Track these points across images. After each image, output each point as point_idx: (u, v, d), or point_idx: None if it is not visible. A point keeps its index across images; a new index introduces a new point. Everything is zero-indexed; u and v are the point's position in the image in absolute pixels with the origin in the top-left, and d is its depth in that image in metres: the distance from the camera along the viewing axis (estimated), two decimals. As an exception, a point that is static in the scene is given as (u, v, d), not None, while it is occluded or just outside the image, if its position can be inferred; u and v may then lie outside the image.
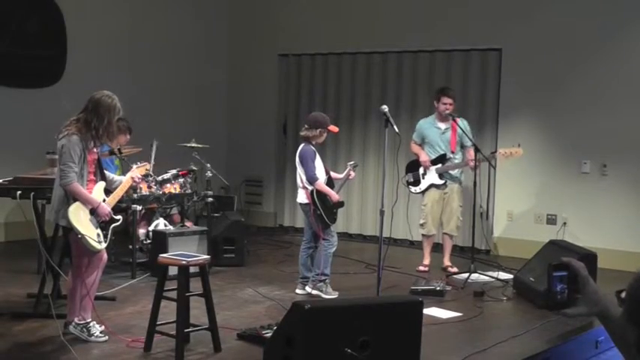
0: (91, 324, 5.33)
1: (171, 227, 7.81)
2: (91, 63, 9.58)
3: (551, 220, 9.07)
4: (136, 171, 5.85)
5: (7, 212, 8.64)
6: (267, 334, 5.24)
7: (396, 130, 6.21)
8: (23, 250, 7.88)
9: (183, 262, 5.09)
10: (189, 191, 7.95)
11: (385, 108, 6.31)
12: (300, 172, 6.91)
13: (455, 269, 8.05)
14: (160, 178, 7.66)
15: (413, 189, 8.23)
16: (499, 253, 9.30)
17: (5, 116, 8.92)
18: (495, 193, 9.18)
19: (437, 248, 8.44)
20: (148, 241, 7.75)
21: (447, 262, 8.23)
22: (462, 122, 8.06)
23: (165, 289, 5.20)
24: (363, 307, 4.50)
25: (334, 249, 6.99)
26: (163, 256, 5.33)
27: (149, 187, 7.50)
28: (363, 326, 4.22)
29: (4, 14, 9.00)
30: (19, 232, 8.23)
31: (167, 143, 8.16)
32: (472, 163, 7.81)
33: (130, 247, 7.51)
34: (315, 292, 6.88)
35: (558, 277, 2.19)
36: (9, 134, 8.90)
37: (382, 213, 6.16)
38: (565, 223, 8.93)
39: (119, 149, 7.57)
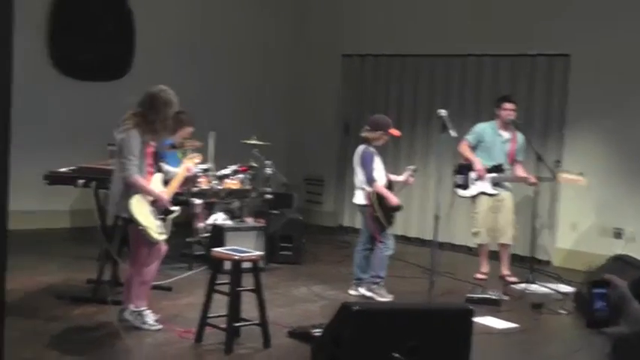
0: (145, 312, 5.43)
1: (229, 222, 7.88)
2: (157, 60, 9.78)
3: (617, 234, 8.84)
4: (188, 162, 5.95)
5: (73, 200, 8.86)
6: (317, 333, 5.24)
7: (453, 134, 6.16)
8: (87, 236, 8.06)
9: (236, 257, 5.14)
10: (248, 187, 8.01)
11: (443, 112, 6.26)
12: (358, 173, 6.90)
13: (513, 278, 7.91)
14: (219, 174, 7.74)
15: (461, 192, 8.10)
16: (560, 264, 9.09)
17: (73, 108, 9.22)
18: (559, 203, 8.98)
19: (494, 256, 8.31)
20: (207, 235, 7.83)
21: (505, 271, 8.09)
22: (519, 136, 7.97)
23: (220, 282, 5.25)
24: (412, 312, 4.49)
25: (390, 252, 6.96)
26: (217, 250, 5.40)
27: (209, 181, 7.59)
28: (411, 331, 4.20)
29: (82, 12, 9.36)
30: (83, 219, 8.42)
31: (228, 139, 8.24)
32: (532, 180, 7.70)
33: (189, 239, 7.63)
34: (369, 294, 6.86)
35: (598, 295, 2.12)
36: (75, 125, 9.19)
37: (437, 218, 6.11)
38: (632, 238, 8.69)
39: (181, 143, 7.71)
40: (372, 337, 4.14)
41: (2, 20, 2.57)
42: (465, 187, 8.04)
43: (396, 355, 4.08)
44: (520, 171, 8.01)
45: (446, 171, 7.90)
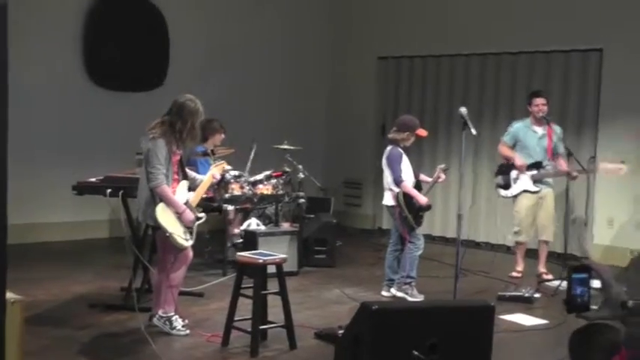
0: (174, 317, 5.53)
1: (263, 227, 7.96)
2: (191, 69, 9.84)
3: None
4: (215, 169, 6.04)
5: (110, 209, 8.98)
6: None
7: (473, 132, 6.21)
8: (124, 245, 8.20)
9: (260, 261, 5.21)
10: (281, 192, 8.06)
11: (463, 110, 6.30)
12: (386, 174, 6.93)
13: (550, 276, 7.85)
14: (252, 179, 7.82)
15: (503, 193, 8.05)
16: (598, 261, 8.94)
17: (104, 118, 9.27)
18: (595, 198, 8.87)
19: (531, 254, 8.22)
20: (241, 240, 7.92)
21: (542, 269, 8.02)
22: (556, 128, 7.88)
23: (246, 286, 5.32)
24: (431, 310, 4.47)
25: (420, 252, 6.96)
26: (241, 255, 5.47)
27: (241, 187, 7.67)
28: (431, 329, 4.19)
29: (116, 23, 9.45)
30: (121, 229, 8.55)
31: (266, 145, 8.34)
32: (574, 174, 7.63)
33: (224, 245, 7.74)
34: (400, 294, 6.88)
35: (578, 280, 2.13)
36: (105, 135, 9.22)
37: (460, 217, 6.11)
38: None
39: (212, 150, 7.82)
40: (392, 335, 4.15)
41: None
42: (506, 187, 7.99)
43: (416, 353, 4.08)
44: (563, 164, 7.85)
45: (466, 169, 7.85)
